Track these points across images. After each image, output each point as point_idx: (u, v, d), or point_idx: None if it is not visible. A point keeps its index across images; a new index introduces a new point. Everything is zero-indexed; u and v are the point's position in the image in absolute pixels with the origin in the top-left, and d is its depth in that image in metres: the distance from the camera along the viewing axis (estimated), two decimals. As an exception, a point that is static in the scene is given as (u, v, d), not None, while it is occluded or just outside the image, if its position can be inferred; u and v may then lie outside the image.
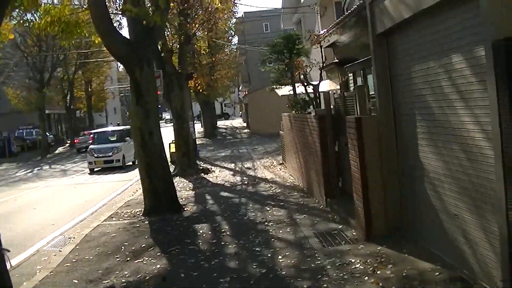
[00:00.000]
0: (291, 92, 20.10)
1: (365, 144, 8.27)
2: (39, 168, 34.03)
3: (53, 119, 62.07)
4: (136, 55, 12.17)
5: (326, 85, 21.08)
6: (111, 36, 12.11)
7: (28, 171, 32.72)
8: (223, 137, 47.05)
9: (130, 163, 27.87)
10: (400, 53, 7.71)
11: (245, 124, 59.64)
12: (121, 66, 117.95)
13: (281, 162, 21.85)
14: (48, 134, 52.84)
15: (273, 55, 18.12)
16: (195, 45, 24.73)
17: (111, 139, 29.28)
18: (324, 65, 16.79)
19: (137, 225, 11.98)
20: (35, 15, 12.24)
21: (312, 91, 16.77)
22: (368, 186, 8.34)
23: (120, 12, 13.12)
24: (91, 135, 34.61)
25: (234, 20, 50.16)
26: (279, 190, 15.22)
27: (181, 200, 14.50)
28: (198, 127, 58.84)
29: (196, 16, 21.92)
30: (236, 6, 25.93)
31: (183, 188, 17.61)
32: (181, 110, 21.31)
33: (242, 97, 66.43)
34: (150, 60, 12.75)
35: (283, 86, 19.42)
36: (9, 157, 44.00)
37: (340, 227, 9.76)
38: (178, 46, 21.96)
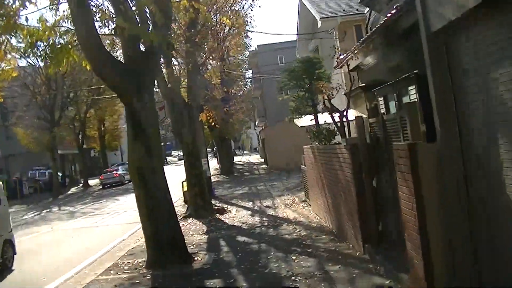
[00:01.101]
0: (313, 122, 18.30)
1: (422, 178, 6.30)
2: (48, 210, 32.40)
3: (67, 159, 60.72)
4: (133, 81, 10.31)
5: (350, 114, 19.35)
6: (101, 60, 10.22)
7: (37, 213, 31.16)
8: (240, 173, 45.07)
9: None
10: (471, 54, 5.77)
11: (262, 160, 57.84)
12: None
13: (303, 199, 19.88)
14: (60, 175, 51.55)
15: (291, 82, 16.38)
16: (206, 76, 22.85)
17: None
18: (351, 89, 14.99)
19: (137, 281, 10.05)
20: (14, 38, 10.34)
21: (337, 119, 14.97)
22: (427, 233, 6.34)
23: (112, 33, 11.14)
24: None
25: (247, 53, 48.89)
26: (305, 233, 13.20)
27: (191, 247, 12.57)
28: (215, 164, 57.26)
29: (205, 43, 20.04)
30: (246, 27, 23.97)
31: (195, 231, 15.69)
32: (193, 146, 19.46)
33: (259, 132, 64.70)
34: (150, 87, 10.85)
35: (303, 116, 17.62)
36: (21, 199, 42.82)
37: (387, 282, 7.73)
38: (186, 76, 20.18)
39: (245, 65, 49.12)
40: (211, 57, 21.58)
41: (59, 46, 10.31)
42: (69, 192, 47.30)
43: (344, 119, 15.34)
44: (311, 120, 16.85)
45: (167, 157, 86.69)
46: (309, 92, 15.71)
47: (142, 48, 11.03)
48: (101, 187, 47.63)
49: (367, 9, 19.06)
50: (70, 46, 10.51)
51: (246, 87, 52.42)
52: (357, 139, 9.91)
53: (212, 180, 33.15)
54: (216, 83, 25.72)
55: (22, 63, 44.57)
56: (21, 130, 46.05)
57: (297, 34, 28.66)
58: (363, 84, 15.35)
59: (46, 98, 44.64)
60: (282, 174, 35.76)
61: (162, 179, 10.75)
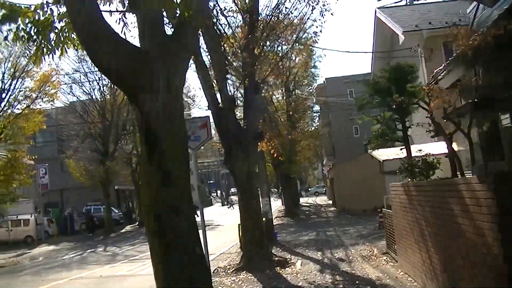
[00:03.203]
0: (398, 154, 14.42)
1: None
2: (92, 250, 29.40)
3: (123, 195, 58.33)
4: (147, 71, 6.67)
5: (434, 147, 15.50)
6: (99, 36, 6.53)
7: (79, 253, 28.32)
8: (307, 216, 40.95)
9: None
10: None
11: (330, 202, 53.65)
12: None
13: (384, 251, 15.83)
14: (116, 211, 49.17)
15: (375, 98, 12.52)
16: (267, 95, 19.08)
17: None
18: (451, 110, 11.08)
19: None
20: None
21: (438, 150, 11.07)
22: None
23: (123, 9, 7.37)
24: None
25: (315, 85, 45.51)
26: (399, 307, 9.20)
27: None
28: (279, 204, 53.42)
29: (264, 55, 16.27)
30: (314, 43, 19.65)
31: (245, 293, 11.98)
32: (248, 182, 15.85)
33: (327, 172, 60.53)
34: (173, 85, 6.94)
35: (386, 147, 13.70)
36: (71, 235, 40.69)
37: None
38: (243, 94, 16.64)
39: (313, 97, 45.56)
40: (272, 74, 17.81)
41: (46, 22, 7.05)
42: (123, 230, 44.63)
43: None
44: (401, 149, 12.65)
45: (230, 196, 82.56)
46: (399, 112, 11.85)
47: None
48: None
49: (470, 8, 15.32)
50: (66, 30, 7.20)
51: (313, 122, 48.82)
52: (506, 166, 5.92)
53: (275, 223, 29.54)
54: (278, 105, 21.93)
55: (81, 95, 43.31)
56: (73, 162, 43.81)
57: (372, 52, 24.73)
58: (476, 100, 11.46)
59: (101, 129, 42.54)
60: (353, 217, 31.55)
61: (189, 224, 6.94)
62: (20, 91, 27.90)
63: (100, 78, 40.43)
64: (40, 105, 28.84)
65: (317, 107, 50.82)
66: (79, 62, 41.02)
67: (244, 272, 14.75)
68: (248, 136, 15.87)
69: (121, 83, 7.19)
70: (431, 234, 9.09)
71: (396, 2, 23.78)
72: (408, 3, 25.58)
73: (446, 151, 13.58)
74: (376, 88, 12.13)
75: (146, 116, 6.78)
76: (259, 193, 24.16)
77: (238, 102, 17.29)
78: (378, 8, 24.73)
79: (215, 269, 15.96)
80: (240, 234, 18.16)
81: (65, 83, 41.24)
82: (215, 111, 15.60)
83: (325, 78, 55.27)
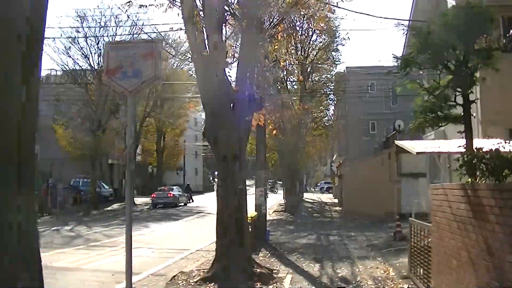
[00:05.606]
0: (439, 147, 10.16)
1: None
2: (56, 228, 25.24)
3: (118, 171, 54.36)
4: None
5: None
6: None
7: (40, 231, 24.13)
8: (309, 213, 36.86)
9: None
10: None
11: (336, 200, 49.61)
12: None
13: (405, 273, 11.76)
14: (106, 187, 45.07)
15: (425, 55, 8.27)
16: (271, 48, 14.44)
17: None
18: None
19: None
20: None
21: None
22: None
23: None
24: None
25: (335, 70, 41.30)
26: None
27: None
28: (280, 198, 49.62)
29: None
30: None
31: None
32: (233, 161, 11.63)
33: (336, 167, 56.30)
34: None
35: (435, 127, 9.41)
36: (49, 209, 36.37)
37: None
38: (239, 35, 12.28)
39: (331, 84, 41.40)
40: (281, 27, 13.24)
41: None
42: (109, 208, 40.57)
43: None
44: (460, 133, 8.29)
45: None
46: (461, 78, 7.63)
47: None
48: (149, 207, 42.16)
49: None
50: None
51: (327, 111, 44.70)
52: None
53: (273, 218, 25.84)
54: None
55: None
56: (60, 129, 39.68)
57: (409, 20, 20.11)
58: None
59: (96, 96, 38.31)
60: (362, 221, 27.37)
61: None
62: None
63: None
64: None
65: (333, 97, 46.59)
66: (78, 21, 37.33)
67: (212, 284, 10.68)
68: (241, 99, 11.62)
69: None
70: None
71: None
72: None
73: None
74: (430, 40, 7.85)
75: None
76: (255, 182, 20.16)
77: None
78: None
79: (174, 275, 11.88)
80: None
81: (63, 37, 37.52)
82: (197, 58, 11.37)
83: (346, 67, 50.74)
